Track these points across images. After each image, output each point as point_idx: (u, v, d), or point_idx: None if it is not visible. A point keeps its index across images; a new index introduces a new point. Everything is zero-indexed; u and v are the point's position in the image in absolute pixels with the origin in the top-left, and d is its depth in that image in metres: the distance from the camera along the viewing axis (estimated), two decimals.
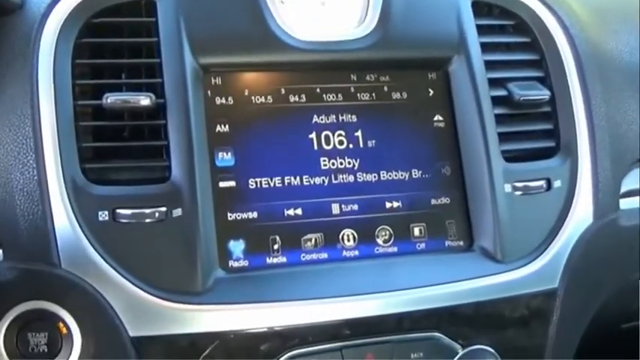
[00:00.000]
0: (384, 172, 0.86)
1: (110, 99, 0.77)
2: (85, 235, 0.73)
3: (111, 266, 0.74)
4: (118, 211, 0.75)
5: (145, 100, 0.77)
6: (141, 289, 0.74)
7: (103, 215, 0.74)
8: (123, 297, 0.73)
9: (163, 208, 0.76)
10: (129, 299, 0.74)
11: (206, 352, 0.75)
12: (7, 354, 0.73)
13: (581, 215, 0.90)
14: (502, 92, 0.91)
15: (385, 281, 0.81)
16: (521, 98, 0.91)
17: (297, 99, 0.85)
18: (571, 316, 0.90)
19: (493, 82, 0.90)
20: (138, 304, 0.74)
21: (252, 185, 0.82)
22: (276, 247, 0.81)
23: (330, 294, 0.79)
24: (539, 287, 0.87)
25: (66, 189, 0.74)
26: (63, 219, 0.73)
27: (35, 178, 0.73)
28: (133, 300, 0.74)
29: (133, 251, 0.75)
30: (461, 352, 0.84)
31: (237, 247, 0.80)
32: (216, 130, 0.82)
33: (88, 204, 0.74)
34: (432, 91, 0.90)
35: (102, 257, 0.74)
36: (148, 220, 0.75)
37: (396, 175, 0.87)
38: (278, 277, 0.79)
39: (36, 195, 0.73)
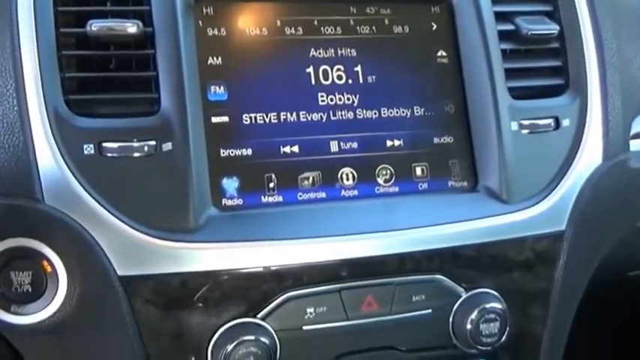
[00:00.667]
0: (385, 109, 0.82)
1: (95, 26, 0.72)
2: (69, 169, 0.70)
3: (97, 202, 0.70)
4: (105, 144, 0.71)
5: (131, 28, 0.73)
6: (129, 226, 0.70)
7: (89, 149, 0.70)
8: (110, 234, 0.70)
9: (152, 142, 0.72)
10: (117, 237, 0.70)
11: (199, 294, 0.72)
12: None
13: (590, 156, 0.86)
14: (509, 26, 0.87)
15: (386, 221, 0.78)
16: (529, 33, 0.86)
17: (293, 31, 0.81)
18: (578, 261, 0.86)
19: (499, 16, 0.86)
20: (126, 242, 0.70)
21: (246, 121, 0.78)
22: (271, 185, 0.77)
23: (328, 233, 0.75)
24: (546, 229, 0.84)
25: (49, 120, 0.70)
26: (46, 151, 0.69)
27: (15, 108, 0.69)
28: (121, 238, 0.70)
29: (121, 187, 0.71)
30: (464, 295, 0.81)
31: (230, 184, 0.76)
32: (208, 62, 0.77)
33: (73, 136, 0.70)
34: (435, 25, 0.86)
35: (88, 193, 0.70)
36: (136, 155, 0.71)
37: (397, 113, 0.83)
38: (274, 216, 0.76)
39: (16, 126, 0.69)
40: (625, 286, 1.10)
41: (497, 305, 0.81)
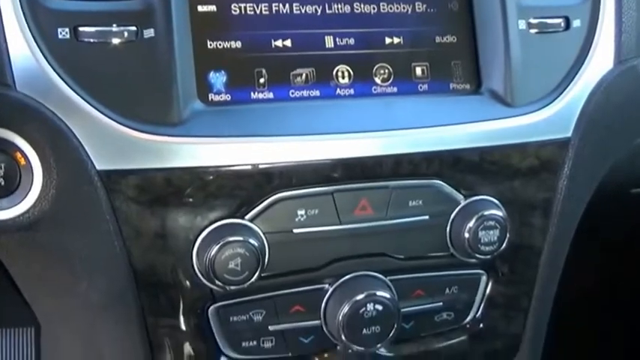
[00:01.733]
0: (385, 3, 0.77)
1: None
2: (43, 54, 0.64)
3: (73, 90, 0.65)
4: (81, 28, 0.65)
5: None
6: (108, 117, 0.65)
7: (64, 33, 0.65)
8: (88, 125, 0.65)
9: (133, 28, 0.66)
10: (95, 128, 0.65)
11: (183, 192, 0.68)
12: None
13: (601, 59, 0.82)
14: None
15: (383, 120, 0.73)
16: None
17: None
18: (583, 170, 0.82)
19: None
20: (105, 134, 0.66)
21: (235, 11, 0.72)
22: (262, 81, 0.72)
23: (321, 131, 0.71)
24: (552, 135, 0.79)
25: (20, 1, 0.64)
26: (17, 35, 0.64)
27: None
28: (99, 129, 0.65)
29: (99, 75, 0.66)
30: (463, 202, 0.78)
31: (218, 79, 0.71)
32: None
33: (46, 19, 0.65)
34: None
35: (63, 80, 0.65)
36: (115, 41, 0.66)
37: (397, 8, 0.77)
38: (264, 112, 0.71)
39: None
40: (627, 205, 1.07)
41: (497, 213, 0.77)
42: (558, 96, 0.79)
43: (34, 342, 1.37)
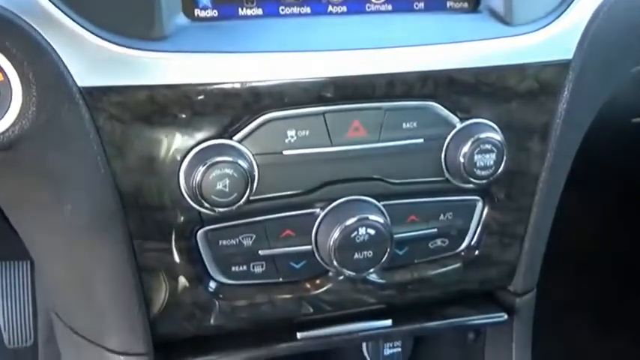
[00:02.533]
0: None
1: None
2: None
3: (53, 3, 0.62)
4: None
5: None
6: (89, 30, 0.63)
7: None
8: (67, 39, 0.62)
9: None
10: (74, 42, 0.62)
11: (168, 110, 0.66)
12: None
13: None
14: None
15: (377, 37, 0.70)
16: None
17: None
18: (583, 95, 0.80)
19: None
20: (86, 49, 0.63)
21: None
22: None
23: (312, 47, 0.68)
24: (552, 57, 0.76)
25: None
26: None
27: None
28: (79, 44, 0.63)
29: None
30: (459, 126, 0.75)
31: None
32: None
33: None
34: None
35: None
36: None
37: None
38: (252, 28, 0.68)
39: None
40: (627, 135, 1.04)
41: (494, 136, 0.75)
42: (560, 15, 0.76)
43: (29, 275, 1.38)
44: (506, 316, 0.87)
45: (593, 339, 1.59)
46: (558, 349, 1.48)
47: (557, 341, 1.46)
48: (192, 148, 0.68)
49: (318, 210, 0.74)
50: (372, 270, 0.75)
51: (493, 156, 0.75)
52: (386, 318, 0.82)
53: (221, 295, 0.75)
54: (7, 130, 0.64)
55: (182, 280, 0.74)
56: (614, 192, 1.44)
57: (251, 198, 0.69)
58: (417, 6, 0.75)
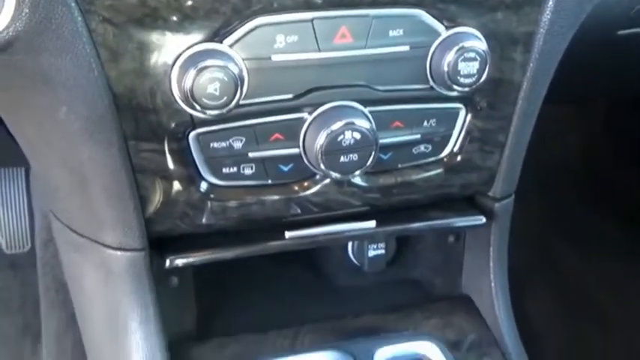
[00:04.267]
0: None
1: None
2: None
3: None
4: None
5: None
6: None
7: None
8: None
9: None
10: None
11: (159, 13, 0.67)
12: None
13: None
14: None
15: None
16: None
17: None
18: (568, 4, 0.81)
19: None
20: None
21: None
22: None
23: None
24: None
25: None
26: None
27: None
28: None
29: None
30: (444, 34, 0.77)
31: None
32: None
33: None
34: None
35: None
36: None
37: None
38: None
39: None
40: (612, 48, 1.06)
41: (478, 45, 0.76)
42: None
43: (24, 181, 1.41)
44: (484, 220, 0.91)
45: (567, 252, 1.65)
46: (534, 258, 1.55)
47: (532, 251, 1.52)
48: (183, 51, 0.69)
49: (306, 115, 0.76)
50: (357, 173, 0.78)
51: (476, 64, 0.77)
52: (370, 220, 0.87)
53: (212, 196, 0.79)
54: (2, 32, 0.65)
55: (175, 181, 0.77)
56: (599, 105, 1.46)
57: (241, 102, 0.71)
58: None
